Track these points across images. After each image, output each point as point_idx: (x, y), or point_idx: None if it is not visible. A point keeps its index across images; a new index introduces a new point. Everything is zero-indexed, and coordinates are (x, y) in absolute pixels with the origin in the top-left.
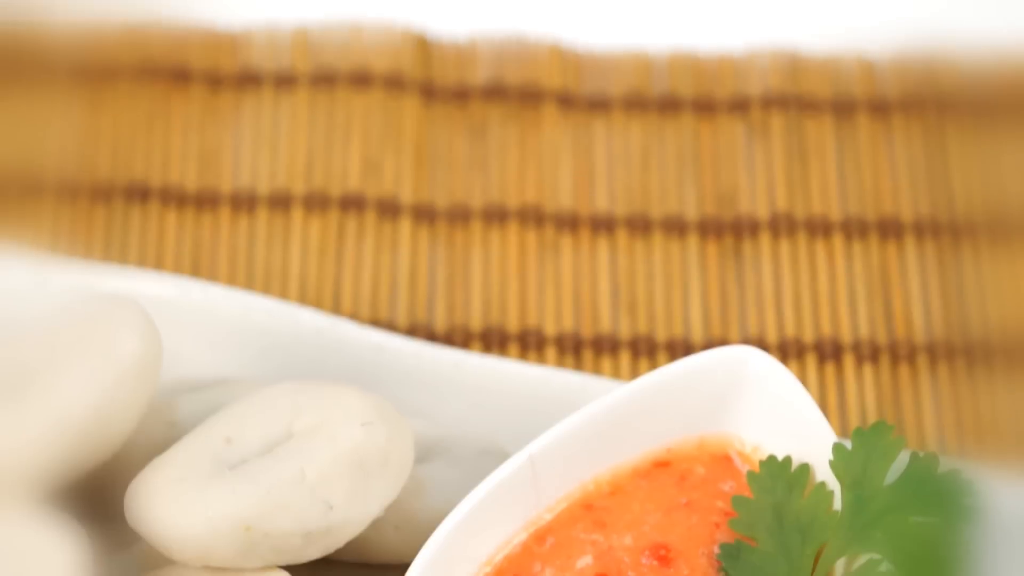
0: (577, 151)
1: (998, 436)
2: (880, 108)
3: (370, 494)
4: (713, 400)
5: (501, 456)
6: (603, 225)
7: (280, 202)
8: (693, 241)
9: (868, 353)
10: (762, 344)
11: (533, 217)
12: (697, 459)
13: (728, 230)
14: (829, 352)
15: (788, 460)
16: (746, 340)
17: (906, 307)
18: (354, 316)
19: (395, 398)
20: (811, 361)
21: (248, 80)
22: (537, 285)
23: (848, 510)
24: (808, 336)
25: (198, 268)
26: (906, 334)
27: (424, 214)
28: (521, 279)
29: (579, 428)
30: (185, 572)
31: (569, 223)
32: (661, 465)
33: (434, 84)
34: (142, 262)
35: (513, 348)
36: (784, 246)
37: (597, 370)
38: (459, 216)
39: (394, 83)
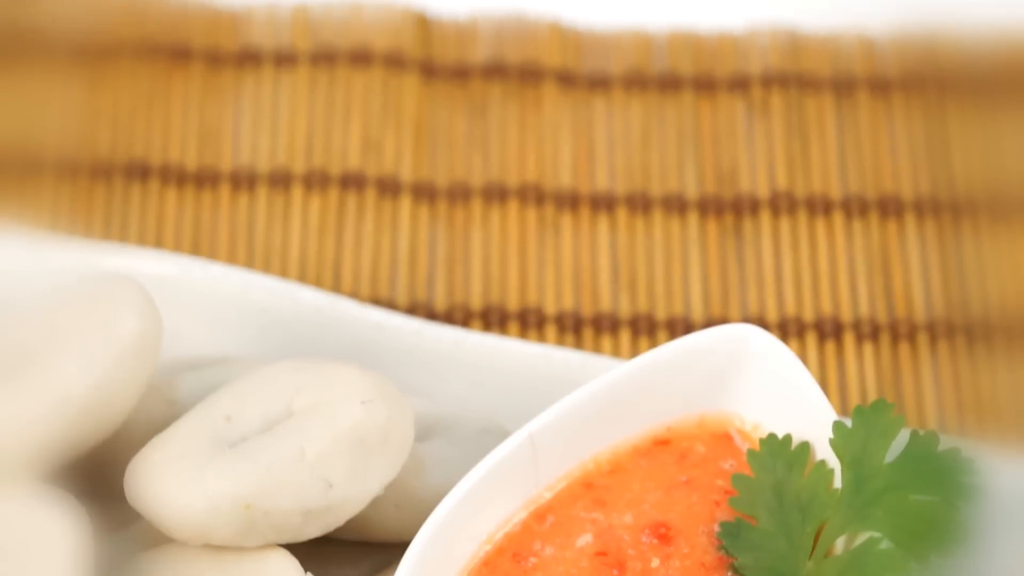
0: (577, 129)
1: (998, 414)
2: (880, 86)
3: (370, 472)
4: (713, 378)
5: (501, 434)
6: (603, 203)
7: (280, 180)
8: (693, 219)
9: (868, 331)
10: (762, 322)
11: (533, 195)
12: (697, 437)
13: (728, 208)
14: (829, 330)
15: (788, 438)
16: (746, 318)
17: (906, 285)
18: (354, 294)
19: (395, 376)
20: (811, 339)
21: (248, 58)
22: (537, 263)
23: (848, 488)
24: (808, 314)
25: (198, 246)
26: (906, 312)
27: (424, 192)
28: (521, 257)
29: (579, 406)
30: (185, 550)
31: (569, 201)
32: (661, 443)
33: (434, 62)
34: (142, 240)
35: (513, 327)
36: (784, 224)
37: (597, 348)
38: (459, 194)
39: (394, 61)
